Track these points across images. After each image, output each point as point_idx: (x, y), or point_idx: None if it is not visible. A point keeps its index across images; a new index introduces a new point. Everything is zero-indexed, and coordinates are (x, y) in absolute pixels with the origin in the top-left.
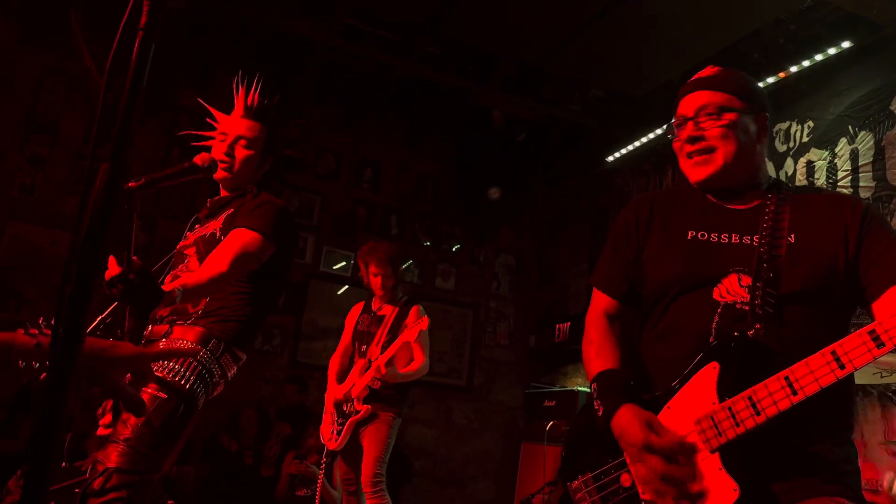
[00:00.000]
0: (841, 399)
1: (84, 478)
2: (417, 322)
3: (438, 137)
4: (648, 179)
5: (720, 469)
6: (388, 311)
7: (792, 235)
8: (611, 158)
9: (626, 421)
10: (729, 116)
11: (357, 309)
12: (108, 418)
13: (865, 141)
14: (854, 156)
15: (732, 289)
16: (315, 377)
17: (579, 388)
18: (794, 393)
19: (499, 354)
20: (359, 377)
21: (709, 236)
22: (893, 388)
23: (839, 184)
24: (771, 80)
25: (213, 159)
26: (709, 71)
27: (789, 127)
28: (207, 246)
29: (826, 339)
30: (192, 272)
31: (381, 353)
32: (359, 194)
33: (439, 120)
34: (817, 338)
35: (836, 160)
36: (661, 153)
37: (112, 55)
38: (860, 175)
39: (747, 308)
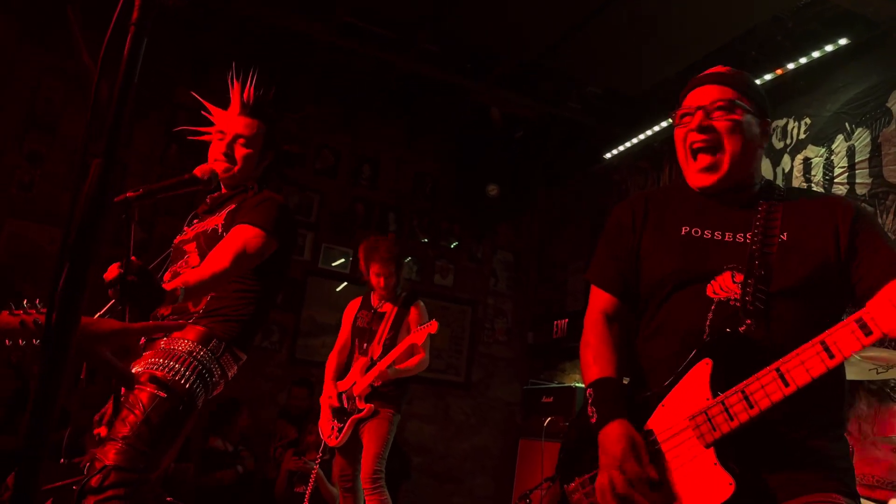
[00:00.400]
0: (832, 394)
1: (81, 476)
2: (426, 326)
3: (437, 135)
4: (646, 177)
5: (715, 464)
6: (389, 309)
7: (784, 234)
8: (608, 156)
9: (613, 436)
10: (740, 112)
11: (355, 304)
12: (103, 431)
13: (862, 138)
14: (851, 153)
15: (726, 285)
16: (314, 374)
17: (577, 385)
18: (786, 385)
19: (497, 351)
20: (360, 375)
21: (702, 233)
22: (891, 384)
23: (836, 181)
24: (768, 77)
25: (214, 171)
26: (720, 68)
27: (786, 124)
28: (209, 241)
29: (815, 335)
30: (193, 269)
31: (384, 352)
32: (357, 191)
33: (438, 117)
34: (807, 334)
35: (832, 157)
36: (658, 150)
37: (103, 50)
38: (857, 172)
39: (739, 305)
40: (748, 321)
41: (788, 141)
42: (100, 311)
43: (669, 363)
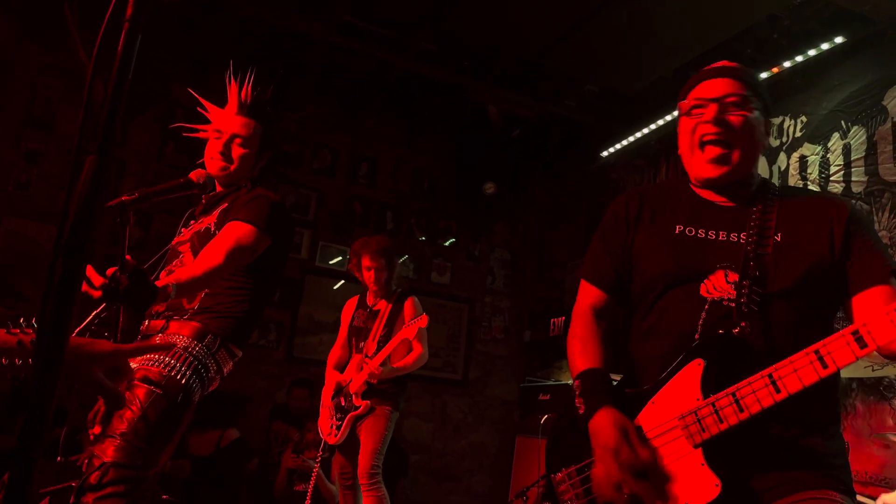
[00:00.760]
0: (826, 393)
1: (79, 476)
2: (416, 320)
3: (435, 134)
4: (642, 175)
5: (702, 464)
6: (383, 306)
7: (779, 234)
8: (605, 154)
9: (603, 424)
10: (750, 109)
11: (352, 304)
12: (97, 429)
13: (858, 136)
14: (847, 151)
15: (719, 285)
16: (312, 372)
17: (573, 389)
18: (778, 391)
19: (494, 349)
20: (356, 372)
21: (696, 232)
22: (885, 381)
23: (831, 178)
24: (765, 75)
25: (209, 175)
26: (728, 63)
27: (782, 122)
28: (202, 241)
29: (810, 337)
30: (186, 267)
31: (378, 348)
32: (355, 190)
33: (436, 116)
34: (802, 337)
35: (828, 155)
36: (655, 149)
37: (97, 47)
38: (852, 170)
39: (733, 305)
40: (743, 323)
41: (785, 139)
42: (95, 311)
43: (661, 363)
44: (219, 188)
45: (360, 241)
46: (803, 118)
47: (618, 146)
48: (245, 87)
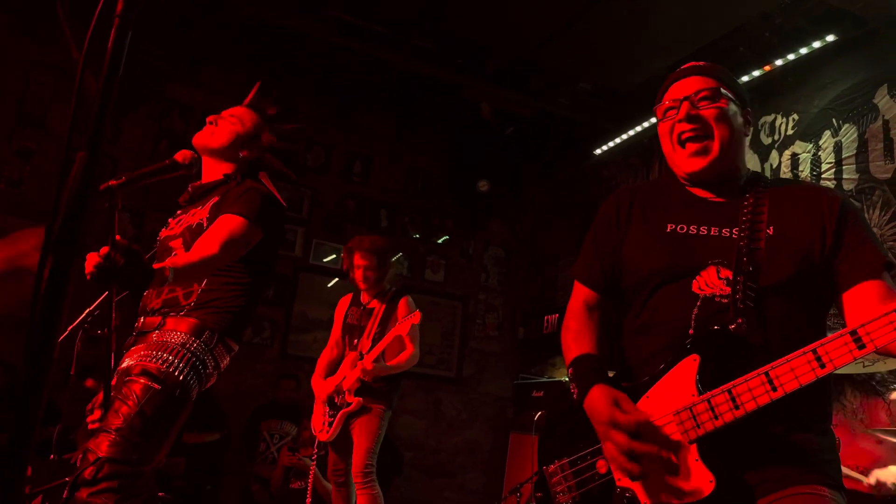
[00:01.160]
0: (820, 390)
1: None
2: (409, 316)
3: (429, 131)
4: (636, 173)
5: (697, 460)
6: (377, 305)
7: (770, 228)
8: (598, 151)
9: (596, 398)
10: (724, 101)
11: (345, 301)
12: (96, 414)
13: (849, 134)
14: (838, 148)
15: (711, 281)
16: (306, 369)
17: (567, 379)
18: (774, 389)
19: (488, 346)
20: (349, 370)
21: (688, 229)
22: (877, 377)
23: (823, 176)
24: (756, 73)
25: (195, 156)
26: (696, 62)
27: (774, 120)
28: (194, 236)
29: (804, 332)
30: (183, 253)
31: (372, 346)
32: (349, 188)
33: (430, 114)
34: (796, 332)
35: (820, 153)
36: (648, 146)
37: (87, 43)
38: (843, 167)
39: (727, 301)
40: (739, 319)
41: (776, 137)
42: (88, 308)
43: (655, 360)
44: (205, 174)
45: (355, 238)
46: (795, 116)
47: (611, 144)
48: (256, 92)
